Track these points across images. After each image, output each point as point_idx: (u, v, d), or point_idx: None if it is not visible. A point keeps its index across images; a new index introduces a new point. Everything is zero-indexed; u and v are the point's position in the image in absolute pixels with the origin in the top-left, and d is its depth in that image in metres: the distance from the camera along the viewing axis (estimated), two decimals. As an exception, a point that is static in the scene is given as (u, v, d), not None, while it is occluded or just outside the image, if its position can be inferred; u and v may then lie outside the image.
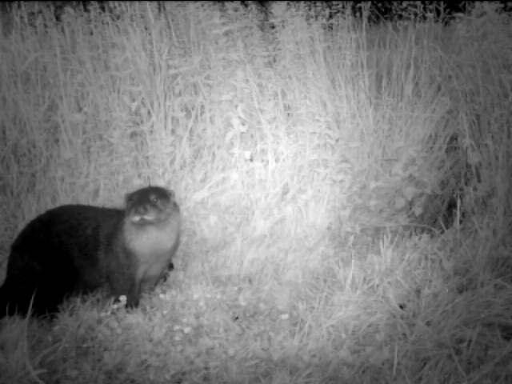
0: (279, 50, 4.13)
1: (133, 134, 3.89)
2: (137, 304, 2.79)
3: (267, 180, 3.78)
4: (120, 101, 3.92)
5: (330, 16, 4.25)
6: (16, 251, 2.80)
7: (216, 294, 2.86)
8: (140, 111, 3.91)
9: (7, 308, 2.68)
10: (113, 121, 3.83)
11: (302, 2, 4.29)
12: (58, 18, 4.48)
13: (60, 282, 2.77)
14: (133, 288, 2.78)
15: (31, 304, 2.58)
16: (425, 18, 4.29)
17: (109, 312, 2.68)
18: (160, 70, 4.00)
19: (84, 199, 3.62)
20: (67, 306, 2.79)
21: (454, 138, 3.82)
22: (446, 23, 4.46)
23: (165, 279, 3.02)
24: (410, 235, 3.41)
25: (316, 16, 4.21)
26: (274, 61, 4.15)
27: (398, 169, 3.59)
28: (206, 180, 3.81)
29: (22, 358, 2.26)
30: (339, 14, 4.21)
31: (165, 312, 2.72)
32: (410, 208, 3.57)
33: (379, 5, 4.93)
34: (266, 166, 3.83)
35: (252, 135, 3.94)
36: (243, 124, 3.88)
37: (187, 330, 2.57)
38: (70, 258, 2.78)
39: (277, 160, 3.85)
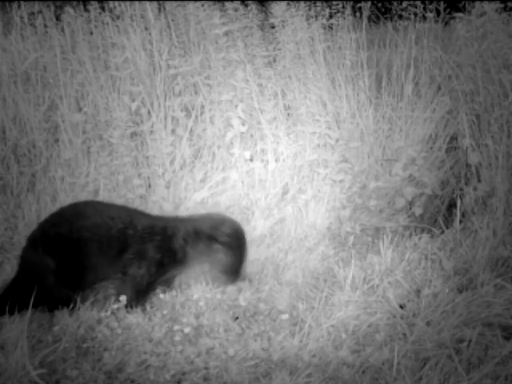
0: (279, 49, 4.14)
1: (133, 134, 3.89)
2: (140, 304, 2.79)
3: (267, 180, 3.78)
4: (120, 101, 3.93)
5: (330, 16, 4.25)
6: (32, 246, 2.76)
7: (216, 293, 2.86)
8: (140, 111, 3.91)
9: (17, 304, 2.66)
10: (113, 121, 3.84)
11: (302, 2, 4.29)
12: (58, 18, 4.48)
13: (72, 279, 2.75)
14: (151, 288, 2.80)
15: (40, 300, 2.60)
16: (425, 17, 4.29)
17: (109, 312, 2.68)
18: (160, 70, 4.00)
19: (84, 199, 3.62)
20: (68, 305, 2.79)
21: (454, 138, 3.81)
22: (446, 23, 4.45)
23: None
24: (410, 235, 3.41)
25: (316, 16, 4.21)
26: (274, 61, 4.16)
27: (398, 169, 3.59)
28: (206, 180, 3.81)
29: (22, 358, 2.26)
30: (339, 14, 4.22)
31: (165, 312, 2.72)
32: (410, 208, 3.57)
33: (379, 5, 4.92)
34: (266, 166, 3.83)
35: (252, 135, 3.94)
36: (243, 124, 3.88)
37: (187, 330, 2.57)
38: (87, 254, 2.74)
39: (277, 160, 3.85)
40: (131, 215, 2.82)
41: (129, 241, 2.76)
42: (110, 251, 2.75)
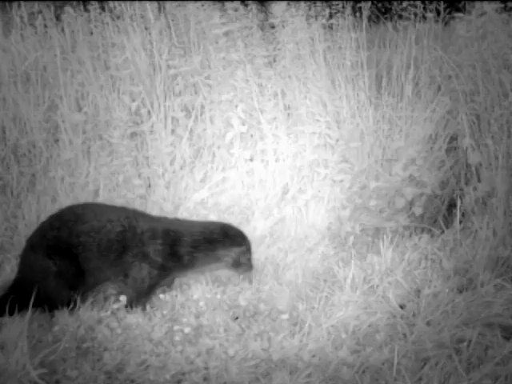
0: (279, 49, 4.13)
1: (133, 134, 3.89)
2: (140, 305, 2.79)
3: (267, 180, 3.78)
4: (120, 101, 3.93)
5: (330, 16, 4.25)
6: (32, 249, 2.76)
7: (216, 294, 2.87)
8: (140, 111, 3.91)
9: (17, 304, 2.66)
10: (113, 121, 3.83)
11: (301, 2, 4.29)
12: (57, 18, 4.48)
13: (72, 282, 2.75)
14: (152, 290, 2.81)
15: (40, 301, 2.61)
16: (425, 17, 4.29)
17: (109, 312, 2.68)
18: (160, 70, 4.00)
19: (84, 199, 3.62)
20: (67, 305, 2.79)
21: (454, 138, 3.81)
22: (446, 23, 4.45)
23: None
24: (410, 235, 3.41)
25: (316, 16, 4.21)
26: (274, 61, 4.15)
27: (398, 169, 3.59)
28: (205, 180, 3.81)
29: (22, 358, 2.25)
30: (339, 14, 4.21)
31: (165, 312, 2.72)
32: (410, 208, 3.57)
33: (379, 5, 4.93)
34: (266, 166, 3.83)
35: (252, 135, 3.94)
36: (243, 124, 3.88)
37: (187, 330, 2.57)
38: (87, 258, 2.74)
39: (277, 160, 3.85)
40: (130, 217, 2.81)
41: (128, 243, 2.76)
42: (109, 255, 2.75)
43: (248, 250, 2.90)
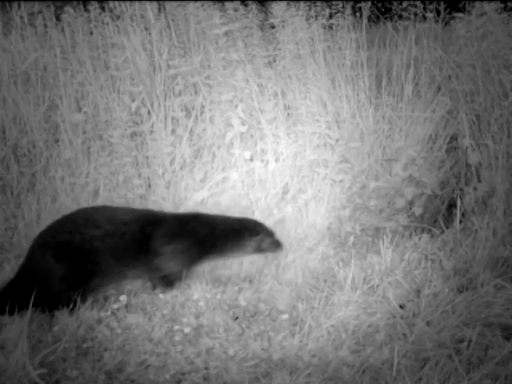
0: (279, 49, 4.14)
1: (133, 134, 3.89)
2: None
3: (267, 180, 3.78)
4: (120, 101, 3.93)
5: (330, 16, 4.25)
6: (40, 247, 2.74)
7: (216, 294, 2.87)
8: (140, 111, 3.91)
9: (17, 303, 2.65)
10: (113, 121, 3.84)
11: (301, 2, 4.29)
12: (57, 18, 4.48)
13: (75, 285, 2.74)
14: (192, 265, 2.94)
15: (40, 301, 2.62)
16: (425, 17, 4.29)
17: (109, 312, 2.68)
18: (160, 70, 4.00)
19: (84, 199, 3.63)
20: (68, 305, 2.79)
21: (454, 138, 3.81)
22: (446, 23, 4.45)
23: None
24: (410, 235, 3.41)
25: (316, 16, 4.21)
26: (274, 61, 4.16)
27: (398, 169, 3.59)
28: (206, 180, 3.81)
29: (22, 357, 2.26)
30: (339, 14, 4.22)
31: (165, 312, 2.72)
32: (410, 208, 3.57)
33: (379, 5, 4.92)
34: (266, 166, 3.83)
35: (252, 135, 3.94)
36: (243, 124, 3.88)
37: (187, 330, 2.57)
38: (100, 262, 2.73)
39: (277, 160, 3.85)
40: (145, 216, 2.87)
41: (151, 236, 2.80)
42: (126, 255, 2.76)
43: (268, 236, 3.00)
